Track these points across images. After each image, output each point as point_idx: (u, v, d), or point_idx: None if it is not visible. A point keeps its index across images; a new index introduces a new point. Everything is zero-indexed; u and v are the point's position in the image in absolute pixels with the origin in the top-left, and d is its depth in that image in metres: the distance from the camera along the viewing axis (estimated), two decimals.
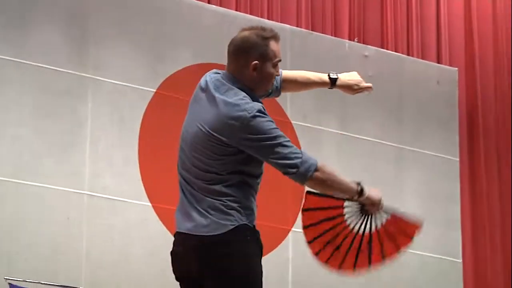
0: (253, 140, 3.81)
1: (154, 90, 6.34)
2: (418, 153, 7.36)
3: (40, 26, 6.07)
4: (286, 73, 4.13)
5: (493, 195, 7.92)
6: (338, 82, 4.09)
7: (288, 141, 3.82)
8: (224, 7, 6.89)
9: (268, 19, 7.02)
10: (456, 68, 7.79)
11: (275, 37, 3.96)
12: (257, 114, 3.81)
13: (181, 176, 3.98)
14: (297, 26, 7.17)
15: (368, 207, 3.88)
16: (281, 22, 7.05)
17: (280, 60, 3.94)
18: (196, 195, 3.89)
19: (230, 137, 3.83)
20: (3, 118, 5.87)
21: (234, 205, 3.94)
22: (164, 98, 6.33)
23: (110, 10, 6.30)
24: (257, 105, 3.81)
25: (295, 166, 3.79)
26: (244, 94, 3.85)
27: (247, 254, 3.92)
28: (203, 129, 3.83)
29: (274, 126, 3.84)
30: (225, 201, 3.94)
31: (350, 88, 4.11)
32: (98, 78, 6.17)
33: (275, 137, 3.82)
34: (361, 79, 4.09)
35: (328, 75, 4.07)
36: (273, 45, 3.94)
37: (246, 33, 3.91)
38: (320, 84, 4.11)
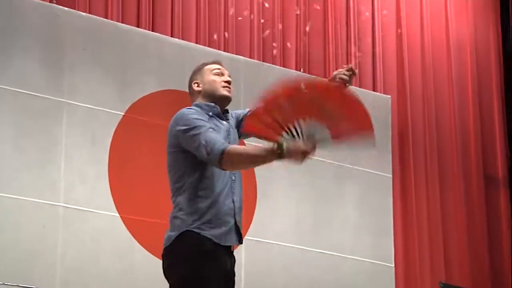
0: (181, 131, 3.79)
1: (123, 113, 6.26)
2: (356, 170, 7.32)
3: (19, 54, 5.95)
4: None
5: (421, 207, 7.92)
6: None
7: (208, 130, 3.77)
8: (185, 40, 6.80)
9: (224, 51, 6.97)
10: (389, 96, 7.81)
11: (214, 62, 4.01)
12: (185, 110, 3.86)
13: None
14: (250, 58, 7.09)
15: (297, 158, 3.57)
16: (236, 54, 6.98)
17: (219, 68, 3.95)
18: None
19: (169, 136, 3.85)
20: None
21: (179, 213, 3.84)
22: (131, 120, 6.25)
23: (83, 41, 6.21)
24: (193, 109, 3.86)
25: (207, 153, 3.70)
26: (193, 107, 3.91)
27: (188, 259, 3.77)
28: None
29: (198, 118, 3.81)
30: (173, 212, 3.88)
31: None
32: (72, 102, 6.07)
33: (196, 127, 3.78)
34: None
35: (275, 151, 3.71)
36: (210, 66, 4.03)
37: None
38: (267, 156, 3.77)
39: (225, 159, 3.70)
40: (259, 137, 3.68)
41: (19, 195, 5.77)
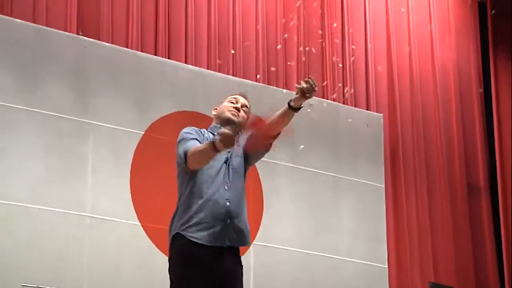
0: (176, 145, 3.95)
1: (142, 132, 6.28)
2: (352, 181, 7.32)
3: (49, 81, 5.99)
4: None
5: (411, 215, 7.94)
6: (293, 104, 3.88)
7: (188, 141, 3.91)
8: (198, 66, 6.82)
9: (233, 75, 6.99)
10: (381, 114, 7.83)
11: (236, 93, 4.06)
12: (184, 128, 4.00)
13: None
14: (256, 82, 7.12)
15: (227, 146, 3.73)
16: (243, 78, 7.02)
17: (235, 97, 4.02)
18: None
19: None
20: (19, 155, 5.78)
21: (174, 219, 3.93)
22: (150, 138, 6.28)
23: (107, 67, 6.25)
24: (191, 127, 4.00)
25: (180, 158, 3.87)
26: (193, 126, 4.04)
27: (175, 262, 3.87)
28: None
29: (186, 132, 3.96)
30: (172, 217, 3.92)
31: (303, 95, 3.84)
32: (96, 123, 6.10)
33: (181, 140, 3.93)
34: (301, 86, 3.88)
35: (288, 104, 3.89)
36: (230, 96, 4.14)
37: None
38: (286, 112, 3.90)
39: (188, 159, 3.85)
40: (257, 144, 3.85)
41: (50, 206, 5.80)
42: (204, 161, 3.81)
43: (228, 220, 3.86)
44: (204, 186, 3.88)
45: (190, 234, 3.81)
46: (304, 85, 3.79)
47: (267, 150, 4.05)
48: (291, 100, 3.86)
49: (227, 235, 3.86)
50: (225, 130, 3.70)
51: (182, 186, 3.95)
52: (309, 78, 3.83)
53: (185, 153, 3.84)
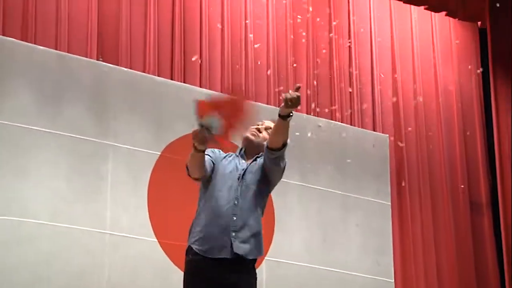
0: None
1: (159, 153, 6.29)
2: (359, 199, 7.31)
3: (70, 104, 6.01)
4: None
5: (416, 231, 7.91)
6: (280, 112, 3.85)
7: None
8: (211, 90, 6.85)
9: None
10: (387, 135, 7.83)
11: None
12: None
13: None
14: (267, 104, 7.15)
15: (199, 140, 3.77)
16: (255, 101, 7.00)
17: (262, 122, 4.02)
18: None
19: None
20: (42, 175, 5.80)
21: (189, 233, 3.95)
22: (167, 159, 6.29)
23: (125, 91, 6.27)
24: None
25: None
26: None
27: (185, 271, 3.92)
28: None
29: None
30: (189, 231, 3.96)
31: (286, 104, 3.79)
32: (116, 144, 6.12)
33: None
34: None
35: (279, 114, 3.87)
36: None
37: None
38: (277, 124, 3.87)
39: (187, 169, 3.95)
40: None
41: (71, 224, 5.82)
42: (194, 164, 3.89)
43: (234, 233, 3.88)
44: (215, 201, 3.91)
45: (197, 247, 3.85)
46: (288, 95, 3.76)
47: (276, 164, 3.99)
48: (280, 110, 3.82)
49: (232, 248, 3.87)
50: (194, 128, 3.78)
51: (199, 202, 4.01)
52: (296, 89, 3.80)
53: (186, 165, 3.92)
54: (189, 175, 3.95)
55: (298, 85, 3.86)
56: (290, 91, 3.77)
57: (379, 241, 7.33)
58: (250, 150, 4.09)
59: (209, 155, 3.99)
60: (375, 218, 7.34)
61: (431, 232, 7.97)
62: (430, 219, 8.00)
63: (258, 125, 4.11)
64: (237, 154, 4.10)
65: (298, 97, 3.75)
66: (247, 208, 3.95)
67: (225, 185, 3.94)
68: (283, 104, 3.78)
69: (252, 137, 4.08)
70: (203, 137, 3.73)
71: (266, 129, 4.10)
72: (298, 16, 7.66)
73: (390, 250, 7.38)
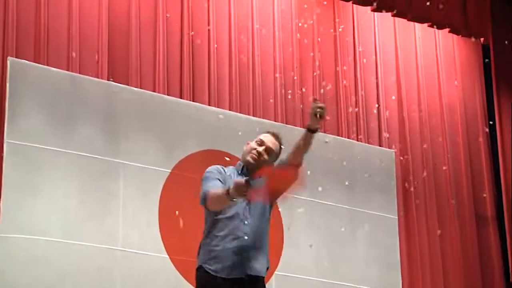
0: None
1: (169, 171, 6.30)
2: (366, 213, 7.29)
3: (82, 124, 6.04)
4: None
5: (423, 244, 7.87)
6: (311, 126, 3.88)
7: (209, 181, 3.93)
8: (220, 108, 6.85)
9: (253, 115, 7.01)
10: (394, 150, 7.82)
11: (267, 132, 4.04)
12: (208, 168, 4.00)
13: None
14: (274, 121, 7.13)
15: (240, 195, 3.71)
16: (262, 118, 7.03)
17: (261, 139, 3.98)
18: None
19: None
20: (55, 193, 5.82)
21: (200, 251, 3.95)
22: (177, 176, 6.30)
23: (136, 110, 6.30)
24: (215, 166, 4.00)
25: (200, 198, 3.89)
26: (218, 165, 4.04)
27: (197, 286, 3.91)
28: None
29: (210, 172, 3.97)
30: (198, 248, 3.93)
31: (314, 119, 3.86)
32: (127, 162, 6.13)
33: (204, 179, 3.95)
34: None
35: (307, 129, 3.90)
36: (261, 134, 4.03)
37: None
38: (305, 139, 3.89)
39: (207, 201, 3.85)
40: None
41: (83, 241, 5.82)
42: (219, 206, 3.84)
43: (245, 254, 3.86)
44: (224, 221, 3.88)
45: (209, 267, 3.83)
46: (318, 104, 3.80)
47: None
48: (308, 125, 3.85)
49: (245, 267, 3.86)
50: (238, 180, 3.68)
51: (206, 220, 3.98)
52: (315, 101, 3.83)
53: (205, 195, 3.85)
54: (206, 208, 3.90)
55: (314, 97, 3.87)
56: (313, 103, 3.81)
57: (386, 255, 7.30)
58: (251, 168, 4.05)
59: (218, 178, 3.95)
60: (382, 232, 7.32)
61: (438, 245, 7.92)
62: (437, 232, 7.96)
63: (258, 144, 4.05)
64: (239, 172, 4.04)
65: (324, 107, 3.80)
66: (257, 227, 3.96)
67: (235, 205, 3.90)
68: (311, 119, 3.81)
69: (253, 162, 4.05)
70: (245, 193, 3.67)
71: (265, 150, 4.05)
72: (305, 40, 7.67)
73: (397, 263, 7.36)
